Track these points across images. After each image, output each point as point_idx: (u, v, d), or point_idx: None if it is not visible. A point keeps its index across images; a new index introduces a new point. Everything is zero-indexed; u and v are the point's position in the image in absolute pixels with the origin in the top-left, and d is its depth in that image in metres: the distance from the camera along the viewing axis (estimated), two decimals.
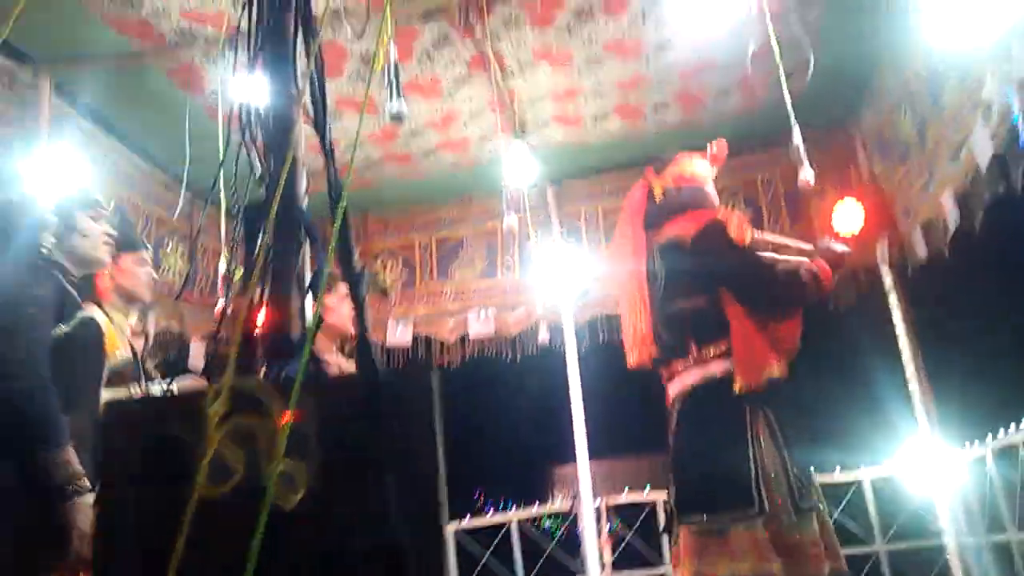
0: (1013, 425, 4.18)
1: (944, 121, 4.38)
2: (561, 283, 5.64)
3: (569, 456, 5.67)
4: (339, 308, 3.26)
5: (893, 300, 5.41)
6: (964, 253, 4.53)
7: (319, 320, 1.49)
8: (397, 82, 2.54)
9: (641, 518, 5.99)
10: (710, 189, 3.04)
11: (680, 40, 4.60)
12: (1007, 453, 4.34)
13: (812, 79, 4.55)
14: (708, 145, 3.14)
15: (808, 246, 2.98)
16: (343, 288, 1.91)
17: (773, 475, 2.52)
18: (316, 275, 1.52)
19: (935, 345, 5.43)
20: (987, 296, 8.99)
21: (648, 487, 5.91)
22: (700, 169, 3.04)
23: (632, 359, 2.90)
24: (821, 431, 5.95)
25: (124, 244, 2.79)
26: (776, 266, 2.77)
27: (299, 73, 1.63)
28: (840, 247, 2.87)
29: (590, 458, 5.64)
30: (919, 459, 5.07)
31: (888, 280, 5.45)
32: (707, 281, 2.72)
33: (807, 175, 3.18)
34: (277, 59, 1.63)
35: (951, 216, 4.33)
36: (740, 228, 2.76)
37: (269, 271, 1.47)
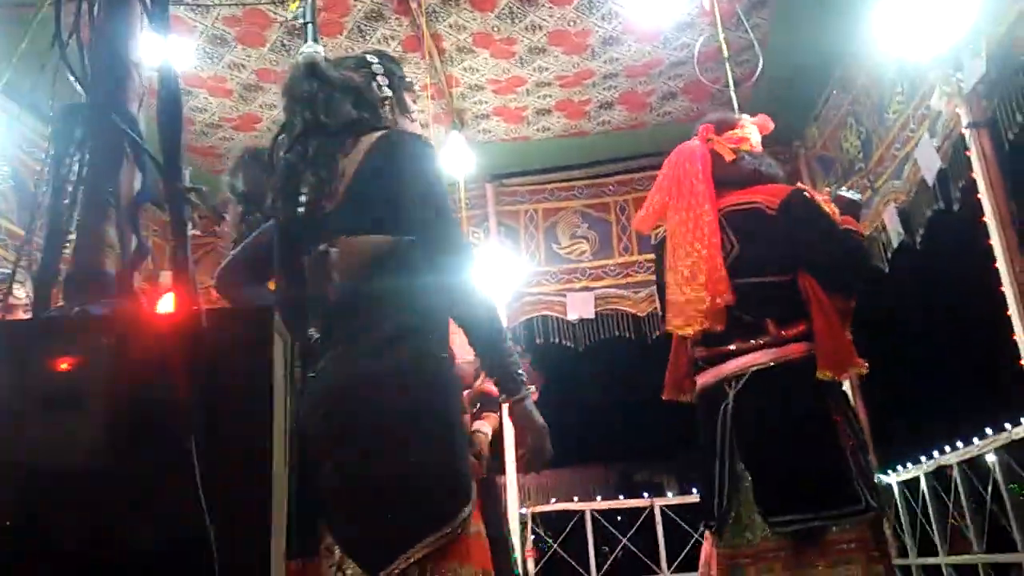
0: (947, 447, 4.10)
1: (889, 137, 4.32)
2: (497, 284, 5.41)
3: (499, 467, 5.43)
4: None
5: None
6: (904, 268, 4.46)
7: (141, 253, 1.19)
8: (314, 25, 2.27)
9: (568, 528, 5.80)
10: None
11: (628, 36, 4.44)
12: (940, 476, 4.26)
13: (757, 93, 4.46)
14: (757, 116, 2.86)
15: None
16: None
17: (867, 469, 2.30)
18: (137, 195, 1.23)
19: (872, 364, 5.36)
20: (926, 313, 9.09)
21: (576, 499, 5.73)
22: (759, 138, 2.71)
23: (692, 326, 2.47)
24: None
25: None
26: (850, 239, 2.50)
27: None
28: (854, 195, 2.65)
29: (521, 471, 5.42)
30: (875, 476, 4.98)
31: None
32: (791, 255, 2.42)
33: (764, 120, 2.88)
34: None
35: (893, 231, 4.26)
36: (825, 201, 2.51)
37: (79, 189, 1.19)
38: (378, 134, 1.71)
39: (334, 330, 1.61)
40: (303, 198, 1.69)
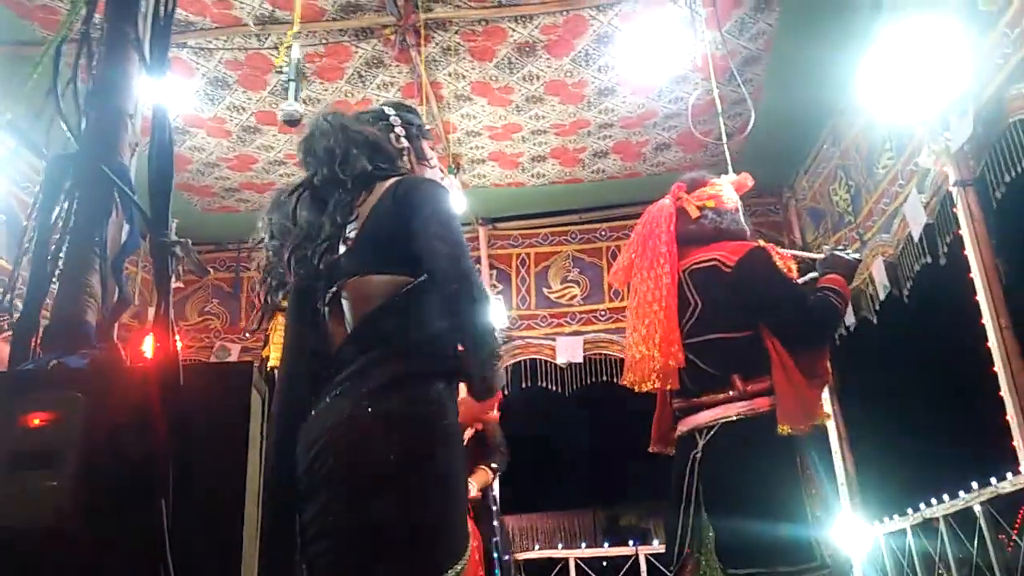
0: (934, 500, 4.10)
1: (878, 192, 4.40)
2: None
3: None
4: None
5: None
6: (892, 321, 4.51)
7: (123, 303, 1.18)
8: (297, 83, 2.30)
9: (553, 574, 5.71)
10: (744, 217, 2.83)
11: (623, 87, 4.53)
12: (927, 528, 4.25)
13: (749, 146, 4.56)
14: (739, 174, 2.93)
15: (818, 256, 2.78)
16: None
17: (825, 526, 2.34)
18: (123, 246, 1.23)
19: (859, 415, 5.38)
20: (913, 365, 9.14)
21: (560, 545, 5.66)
22: (734, 195, 2.81)
23: (645, 384, 2.59)
24: None
25: None
26: (812, 297, 2.56)
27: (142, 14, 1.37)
28: (851, 256, 2.69)
29: (506, 513, 5.37)
30: (838, 531, 4.96)
31: None
32: (750, 312, 2.50)
33: (744, 178, 2.95)
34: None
35: (880, 284, 4.32)
36: (783, 258, 2.57)
37: (66, 237, 1.19)
38: (393, 179, 1.72)
39: (340, 369, 1.58)
40: (318, 251, 1.69)
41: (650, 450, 2.79)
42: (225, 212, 5.55)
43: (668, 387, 2.57)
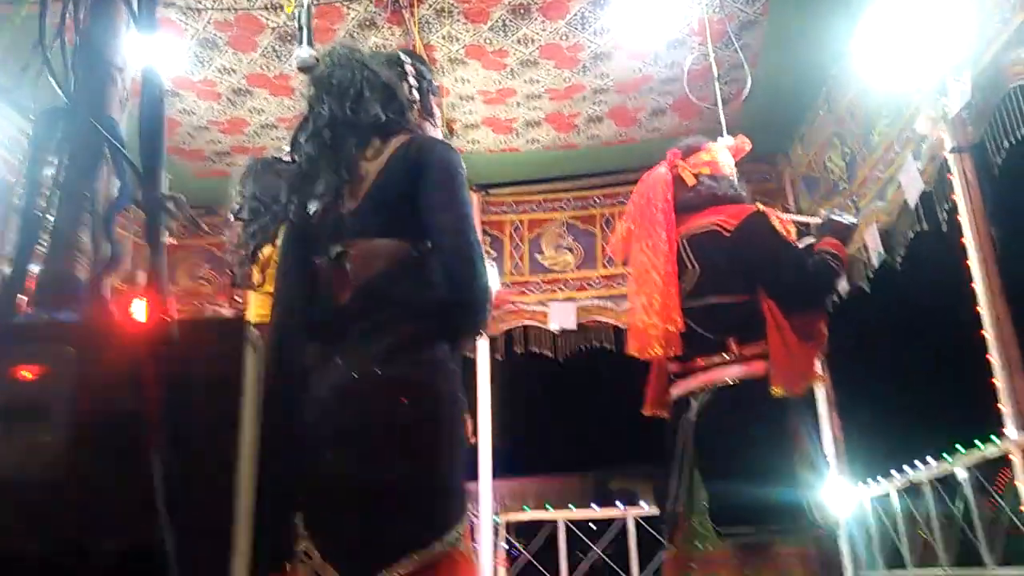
0: (919, 463, 4.17)
1: (873, 159, 4.39)
2: None
3: (472, 473, 5.42)
4: None
5: None
6: (884, 288, 4.53)
7: (114, 259, 1.17)
8: (309, 27, 2.24)
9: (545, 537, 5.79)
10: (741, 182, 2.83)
11: (619, 52, 4.48)
12: (912, 491, 4.32)
13: (745, 112, 4.52)
14: (735, 138, 2.93)
15: (816, 220, 2.79)
16: None
17: (815, 488, 2.39)
18: (114, 202, 1.21)
19: (848, 380, 5.43)
20: (904, 331, 9.21)
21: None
22: (729, 160, 2.81)
23: (649, 351, 2.60)
24: None
25: None
26: (810, 260, 2.57)
27: None
28: (848, 219, 2.70)
29: (496, 476, 5.42)
30: (827, 493, 5.03)
31: None
32: (749, 276, 2.53)
33: (741, 141, 2.94)
34: None
35: (874, 251, 4.33)
36: (782, 222, 2.59)
37: (56, 194, 1.18)
38: (405, 138, 1.67)
39: (343, 330, 1.58)
40: (319, 197, 1.65)
41: (644, 412, 2.82)
42: (216, 176, 5.48)
43: (671, 353, 2.59)
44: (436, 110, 1.91)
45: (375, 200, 1.62)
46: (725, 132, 3.45)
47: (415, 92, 1.82)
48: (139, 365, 0.92)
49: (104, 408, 0.91)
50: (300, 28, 2.39)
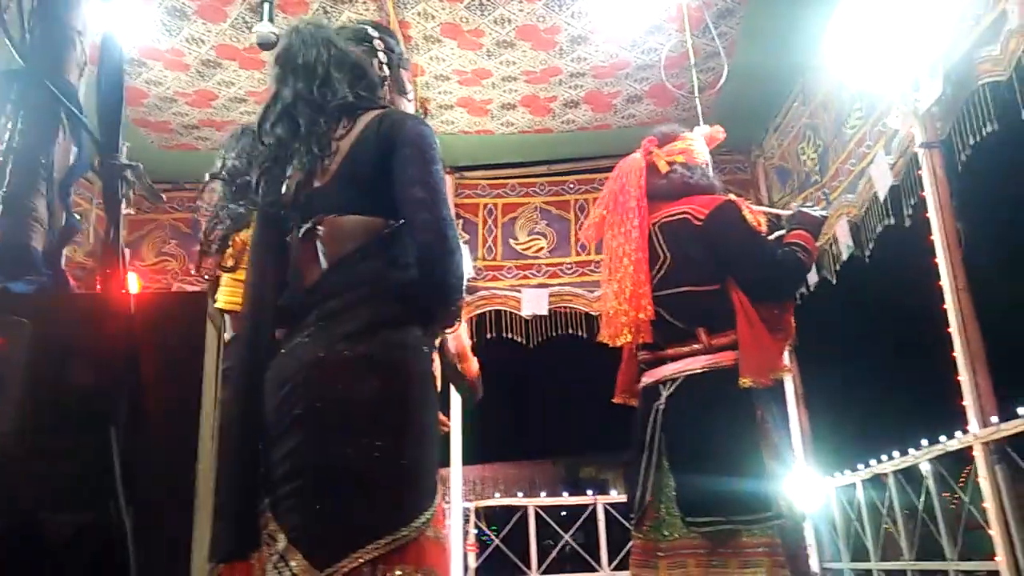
0: (884, 456, 4.21)
1: (845, 152, 4.41)
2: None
3: (444, 458, 5.41)
4: None
5: None
6: (852, 281, 4.56)
7: (69, 231, 1.13)
8: (271, 2, 2.18)
9: (512, 522, 5.80)
10: (713, 172, 2.83)
11: (596, 36, 4.44)
12: (876, 483, 4.37)
13: (720, 101, 4.52)
14: (710, 127, 2.94)
15: (786, 213, 2.81)
16: None
17: (781, 479, 2.40)
18: (71, 169, 1.17)
19: (815, 372, 5.48)
20: (870, 325, 9.33)
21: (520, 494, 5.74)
22: (703, 149, 2.81)
23: (619, 338, 2.60)
24: None
25: None
26: (779, 251, 2.58)
27: None
28: (818, 212, 2.71)
29: (467, 463, 5.41)
30: (793, 484, 5.08)
31: None
32: (719, 265, 2.53)
33: (716, 130, 2.94)
34: None
35: (843, 244, 4.35)
36: (752, 213, 2.59)
37: (9, 160, 1.13)
38: (376, 112, 1.63)
39: (312, 309, 1.54)
40: (290, 176, 1.61)
41: (614, 400, 2.83)
42: (183, 150, 5.38)
43: (640, 340, 2.59)
44: (408, 85, 1.86)
45: (345, 176, 1.58)
46: (701, 120, 3.44)
47: (385, 68, 1.77)
48: (96, 338, 0.90)
49: (60, 382, 0.89)
50: (263, 2, 2.33)
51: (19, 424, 0.86)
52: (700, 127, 2.99)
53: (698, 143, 2.81)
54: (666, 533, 2.43)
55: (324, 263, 1.55)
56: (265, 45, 2.53)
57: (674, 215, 2.63)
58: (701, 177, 2.72)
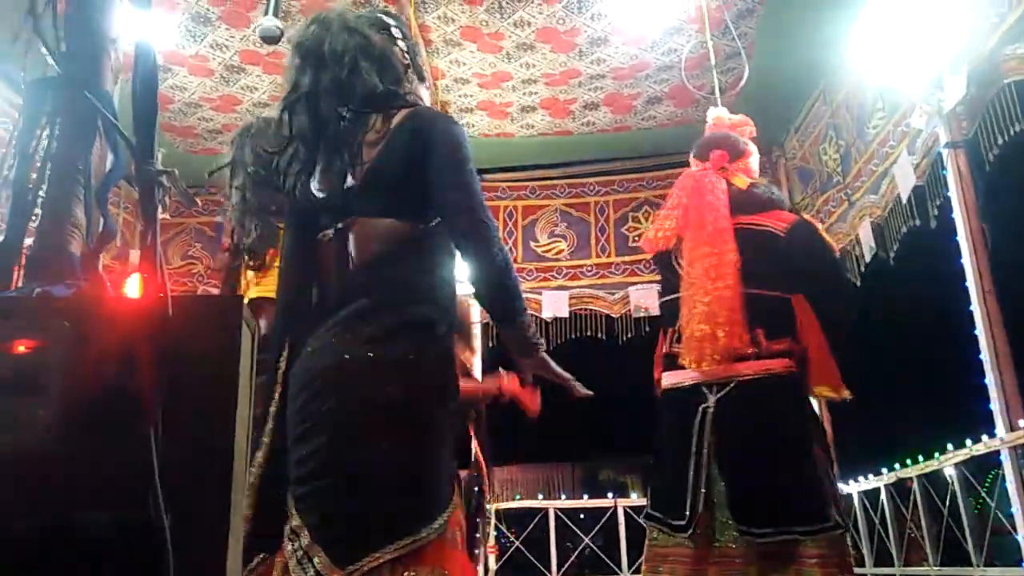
0: (909, 460, 4.17)
1: (868, 152, 4.37)
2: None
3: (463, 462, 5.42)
4: None
5: None
6: (875, 282, 4.52)
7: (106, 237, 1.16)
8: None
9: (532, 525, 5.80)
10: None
11: (616, 38, 4.44)
12: (900, 488, 4.32)
13: (741, 101, 4.49)
14: (740, 117, 3.01)
15: None
16: None
17: (836, 486, 2.41)
18: (107, 176, 1.19)
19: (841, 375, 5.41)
20: (895, 327, 9.21)
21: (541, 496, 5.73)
22: (757, 164, 2.88)
23: (706, 363, 2.48)
24: None
25: None
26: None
27: None
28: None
29: (488, 465, 5.41)
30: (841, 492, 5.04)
31: None
32: (793, 276, 2.52)
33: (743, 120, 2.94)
34: None
35: (867, 245, 4.31)
36: (828, 234, 2.67)
37: (47, 166, 1.15)
38: (407, 111, 1.60)
39: (339, 309, 1.53)
40: (320, 176, 1.60)
41: (657, 396, 2.76)
42: (208, 154, 5.44)
43: (727, 364, 2.50)
44: (425, 71, 1.84)
45: (376, 178, 1.57)
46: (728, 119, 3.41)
47: (406, 56, 1.72)
48: (135, 341, 0.91)
49: (99, 384, 0.90)
50: None
51: (59, 425, 0.88)
52: (715, 108, 3.00)
53: (754, 158, 2.83)
54: (720, 539, 2.39)
55: (353, 265, 1.56)
56: (268, 38, 2.53)
57: (752, 224, 2.61)
58: (777, 194, 2.77)
